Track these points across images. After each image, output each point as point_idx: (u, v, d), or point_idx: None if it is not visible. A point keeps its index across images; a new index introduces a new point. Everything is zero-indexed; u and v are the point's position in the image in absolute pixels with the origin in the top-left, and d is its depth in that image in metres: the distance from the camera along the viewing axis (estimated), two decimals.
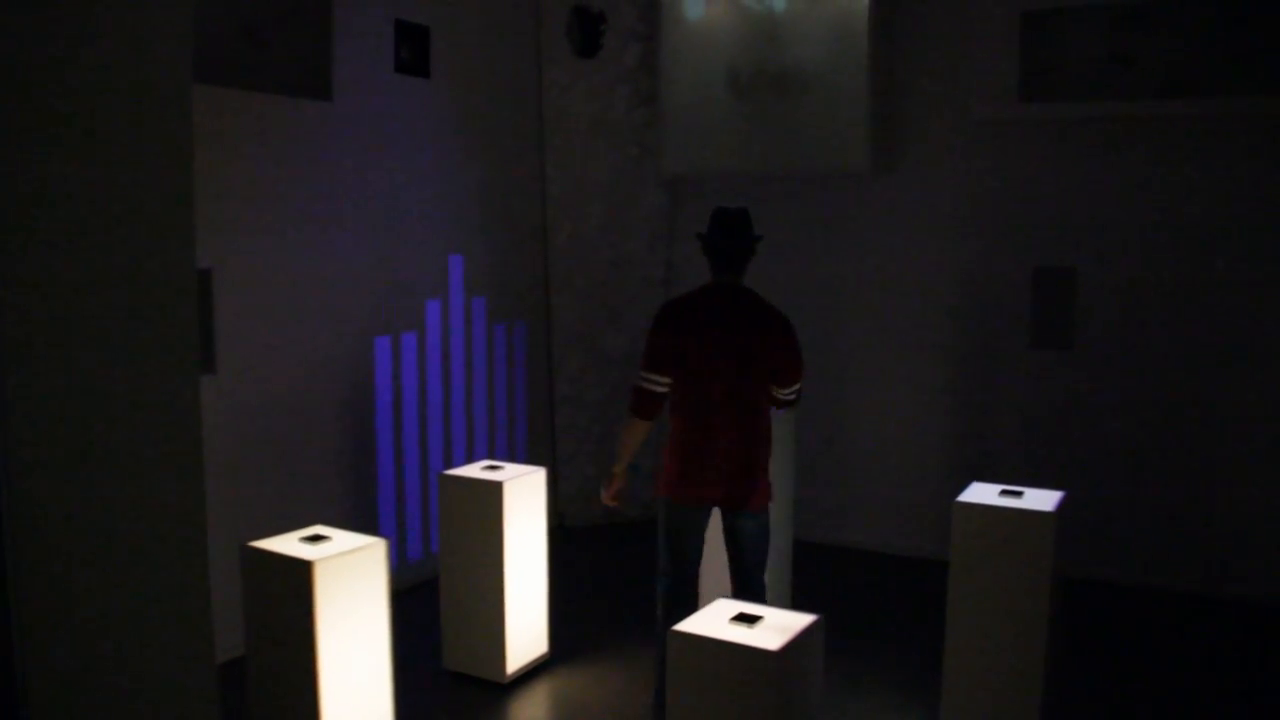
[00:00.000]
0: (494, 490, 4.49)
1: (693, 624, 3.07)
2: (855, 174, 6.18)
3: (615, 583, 6.00)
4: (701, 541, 4.09)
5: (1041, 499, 3.94)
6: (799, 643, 2.97)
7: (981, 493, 4.02)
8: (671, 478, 4.00)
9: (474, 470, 4.68)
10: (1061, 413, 5.93)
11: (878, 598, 5.73)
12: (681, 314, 3.97)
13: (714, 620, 3.10)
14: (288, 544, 3.68)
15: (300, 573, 3.48)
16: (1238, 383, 5.55)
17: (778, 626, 3.02)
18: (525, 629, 4.67)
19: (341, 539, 3.73)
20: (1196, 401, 5.64)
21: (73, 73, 1.75)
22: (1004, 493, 4.01)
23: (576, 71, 6.66)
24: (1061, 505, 3.92)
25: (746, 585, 4.06)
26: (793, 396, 4.07)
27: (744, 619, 3.07)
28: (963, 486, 4.12)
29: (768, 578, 4.53)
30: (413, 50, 5.69)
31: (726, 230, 3.97)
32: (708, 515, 4.07)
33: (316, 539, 3.72)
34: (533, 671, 4.74)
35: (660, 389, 3.95)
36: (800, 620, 3.07)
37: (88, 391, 1.80)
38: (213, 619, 2.02)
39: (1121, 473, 5.80)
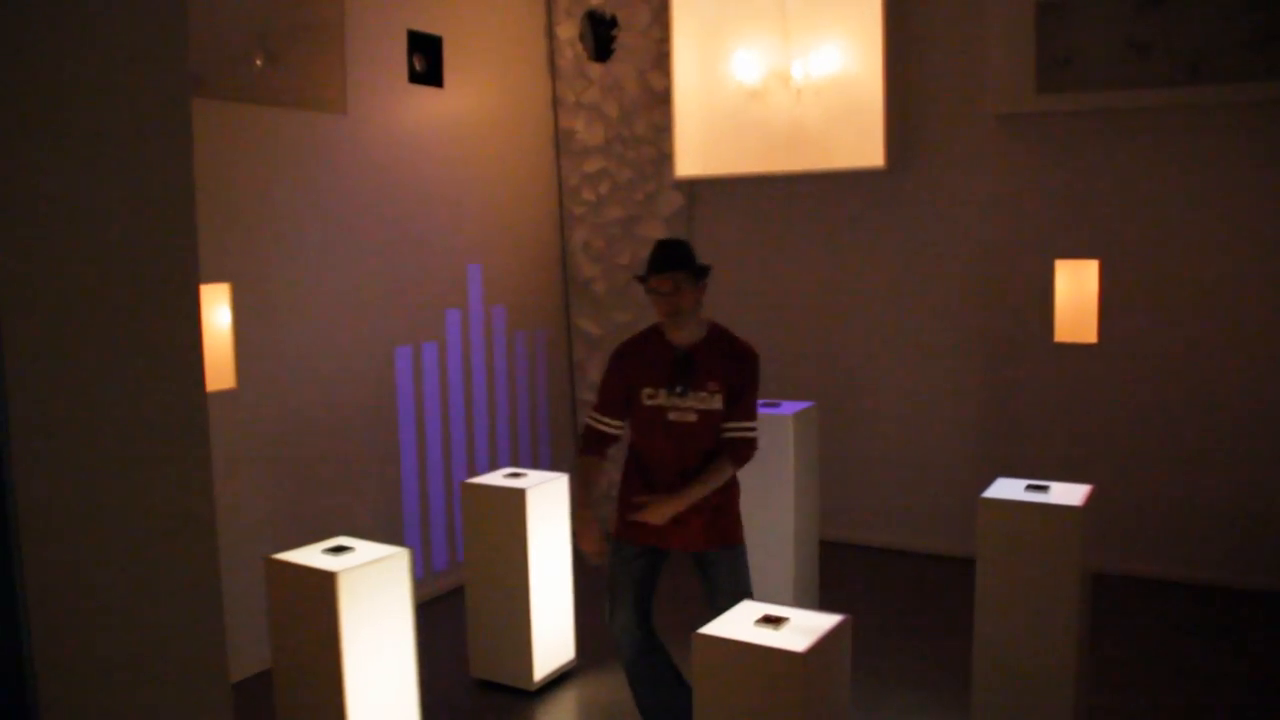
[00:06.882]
0: (517, 498, 4.49)
1: (719, 626, 3.05)
2: (872, 171, 6.15)
3: None
4: None
5: (1068, 493, 3.90)
6: (826, 643, 2.94)
7: (1007, 488, 3.98)
8: None
9: (497, 478, 4.69)
10: (1087, 406, 5.87)
11: (905, 596, 5.69)
12: None
13: (740, 622, 3.08)
14: (311, 555, 3.68)
15: (323, 584, 3.49)
16: (1266, 373, 5.48)
17: (805, 628, 3.00)
18: (552, 636, 4.66)
19: (365, 549, 3.74)
20: (1223, 392, 5.56)
21: (71, 79, 1.75)
22: (1030, 487, 3.96)
23: (590, 76, 6.66)
24: (1088, 499, 3.88)
25: None
26: None
27: (770, 620, 3.05)
28: (988, 482, 4.08)
29: (790, 574, 4.49)
30: (426, 60, 5.71)
31: None
32: None
33: (340, 550, 3.72)
34: (560, 678, 4.73)
35: None
36: (827, 621, 3.05)
37: (93, 403, 1.80)
38: (225, 634, 2.01)
39: (1148, 466, 5.73)
